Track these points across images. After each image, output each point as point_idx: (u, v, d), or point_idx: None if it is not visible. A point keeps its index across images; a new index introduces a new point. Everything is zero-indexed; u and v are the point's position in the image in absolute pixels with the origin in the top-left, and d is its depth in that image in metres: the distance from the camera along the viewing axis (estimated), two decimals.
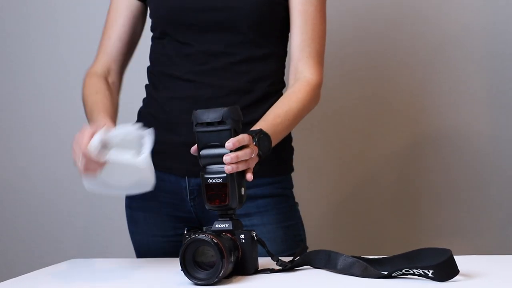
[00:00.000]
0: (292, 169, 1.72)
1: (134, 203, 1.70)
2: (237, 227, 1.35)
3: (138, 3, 1.71)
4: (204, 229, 1.34)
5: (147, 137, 1.38)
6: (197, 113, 1.36)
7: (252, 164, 1.38)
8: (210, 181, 1.34)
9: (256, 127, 1.48)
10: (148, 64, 1.74)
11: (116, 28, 1.71)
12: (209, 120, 1.34)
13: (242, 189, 1.36)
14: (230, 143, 1.32)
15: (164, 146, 1.60)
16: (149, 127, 1.64)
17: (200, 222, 1.64)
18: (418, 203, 2.49)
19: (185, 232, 1.35)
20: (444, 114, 2.46)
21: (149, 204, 1.66)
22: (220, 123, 1.34)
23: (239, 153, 1.33)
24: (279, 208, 1.64)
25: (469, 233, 2.46)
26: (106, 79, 1.70)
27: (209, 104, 1.52)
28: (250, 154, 1.36)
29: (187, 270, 1.27)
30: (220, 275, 1.26)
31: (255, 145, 1.40)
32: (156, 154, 1.62)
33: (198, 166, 1.37)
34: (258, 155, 1.41)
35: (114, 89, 1.71)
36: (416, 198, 2.49)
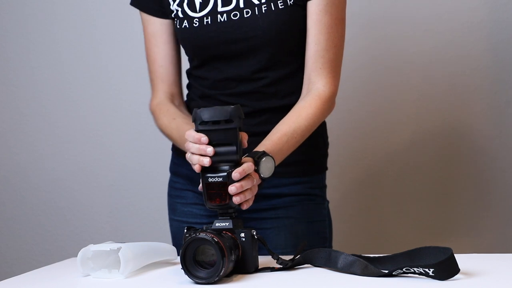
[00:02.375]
0: (324, 168, 1.72)
1: (173, 192, 1.76)
2: (237, 226, 1.35)
3: (170, 20, 1.69)
4: (204, 228, 1.34)
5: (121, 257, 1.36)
6: (200, 112, 1.35)
7: (255, 192, 1.40)
8: (210, 180, 1.34)
9: (260, 147, 1.48)
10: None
11: (164, 54, 1.70)
12: (215, 119, 1.34)
13: None
14: (237, 173, 1.33)
15: None
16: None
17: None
18: (418, 202, 2.48)
19: (185, 231, 1.35)
20: (445, 112, 2.46)
21: (187, 194, 1.71)
22: (227, 121, 1.34)
23: (243, 182, 1.35)
24: (304, 205, 1.66)
25: (470, 231, 2.46)
26: (173, 103, 1.71)
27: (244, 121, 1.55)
28: (252, 183, 1.37)
29: (188, 269, 1.27)
30: (221, 274, 1.25)
31: (255, 170, 1.40)
32: None
33: None
34: (260, 177, 1.42)
35: (183, 110, 1.72)
36: (417, 197, 2.49)
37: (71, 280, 1.38)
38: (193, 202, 1.70)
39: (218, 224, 1.34)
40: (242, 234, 1.33)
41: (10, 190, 2.70)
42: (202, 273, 1.27)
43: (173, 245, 1.71)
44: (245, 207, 1.37)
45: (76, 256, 1.38)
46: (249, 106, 1.62)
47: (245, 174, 1.35)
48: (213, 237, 1.26)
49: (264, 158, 1.42)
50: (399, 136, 2.48)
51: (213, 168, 1.35)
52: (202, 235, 1.27)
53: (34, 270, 1.48)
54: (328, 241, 1.70)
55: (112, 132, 2.64)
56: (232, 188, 1.33)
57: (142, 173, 2.62)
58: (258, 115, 1.59)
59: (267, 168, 1.43)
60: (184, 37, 1.64)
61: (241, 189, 1.34)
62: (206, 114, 1.34)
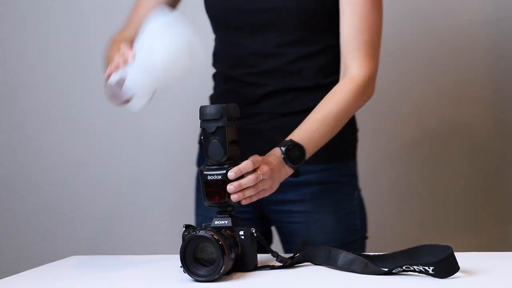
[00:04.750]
0: (352, 156, 1.67)
1: (199, 186, 1.73)
2: (236, 223, 1.34)
3: None
4: (203, 226, 1.34)
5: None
6: (234, 107, 1.35)
7: (261, 187, 1.37)
8: (209, 177, 1.34)
9: (290, 136, 1.46)
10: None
11: (150, 7, 1.63)
12: (236, 115, 1.35)
13: None
14: (232, 172, 1.32)
15: None
16: None
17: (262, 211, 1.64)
18: (418, 200, 2.48)
19: (184, 229, 1.35)
20: (444, 111, 2.46)
21: None
22: (239, 119, 1.36)
23: (242, 181, 1.33)
24: (332, 196, 1.62)
25: (470, 229, 2.46)
26: None
27: (263, 101, 1.55)
28: (255, 179, 1.34)
29: (188, 267, 1.27)
30: (221, 271, 1.25)
31: (284, 157, 1.39)
32: None
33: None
34: (290, 166, 1.41)
35: None
36: (417, 195, 2.48)
37: (70, 279, 1.38)
38: None
39: (217, 222, 1.34)
40: (241, 232, 1.33)
41: (10, 189, 2.69)
42: (202, 271, 1.27)
43: None
44: (244, 203, 1.35)
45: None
46: (272, 85, 1.58)
47: (241, 174, 1.33)
48: (213, 235, 1.26)
49: (290, 146, 1.41)
50: (398, 135, 2.48)
51: (212, 166, 1.35)
52: (202, 233, 1.27)
53: (34, 269, 1.48)
54: (359, 233, 1.67)
55: (112, 131, 2.64)
56: (230, 187, 1.32)
57: (143, 172, 2.62)
58: (281, 95, 1.56)
59: (295, 157, 1.41)
60: (211, 3, 1.61)
61: (240, 187, 1.33)
62: (236, 109, 1.35)
